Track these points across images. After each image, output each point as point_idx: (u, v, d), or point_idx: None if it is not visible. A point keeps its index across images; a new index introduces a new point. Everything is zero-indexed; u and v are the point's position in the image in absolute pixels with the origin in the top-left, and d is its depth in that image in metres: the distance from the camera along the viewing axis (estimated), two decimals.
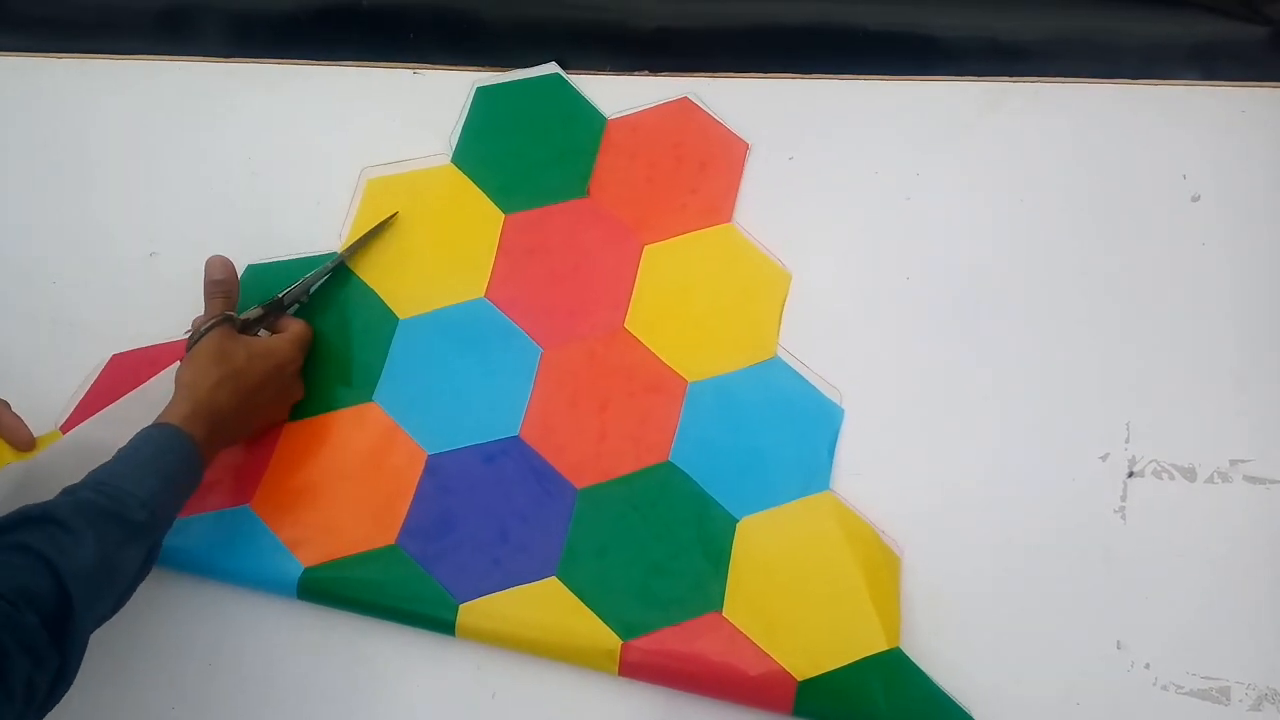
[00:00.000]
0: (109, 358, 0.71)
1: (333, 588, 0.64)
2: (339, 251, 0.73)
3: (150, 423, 0.60)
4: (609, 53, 0.79)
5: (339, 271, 0.73)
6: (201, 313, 0.68)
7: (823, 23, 0.80)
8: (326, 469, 0.67)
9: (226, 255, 0.69)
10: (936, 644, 0.62)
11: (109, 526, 0.54)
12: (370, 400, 0.69)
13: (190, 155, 0.77)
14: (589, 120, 0.77)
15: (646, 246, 0.73)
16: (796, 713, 0.59)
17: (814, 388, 0.68)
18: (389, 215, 0.74)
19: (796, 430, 0.67)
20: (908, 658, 0.60)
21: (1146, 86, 0.77)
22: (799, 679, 0.59)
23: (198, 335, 0.64)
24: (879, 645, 0.60)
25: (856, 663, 0.60)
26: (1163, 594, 0.63)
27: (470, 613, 0.62)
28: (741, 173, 0.75)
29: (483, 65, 0.80)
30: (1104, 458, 0.66)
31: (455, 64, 0.80)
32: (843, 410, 0.67)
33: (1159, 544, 0.64)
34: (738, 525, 0.64)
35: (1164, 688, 0.61)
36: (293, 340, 0.68)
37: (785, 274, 0.71)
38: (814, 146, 0.76)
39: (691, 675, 0.61)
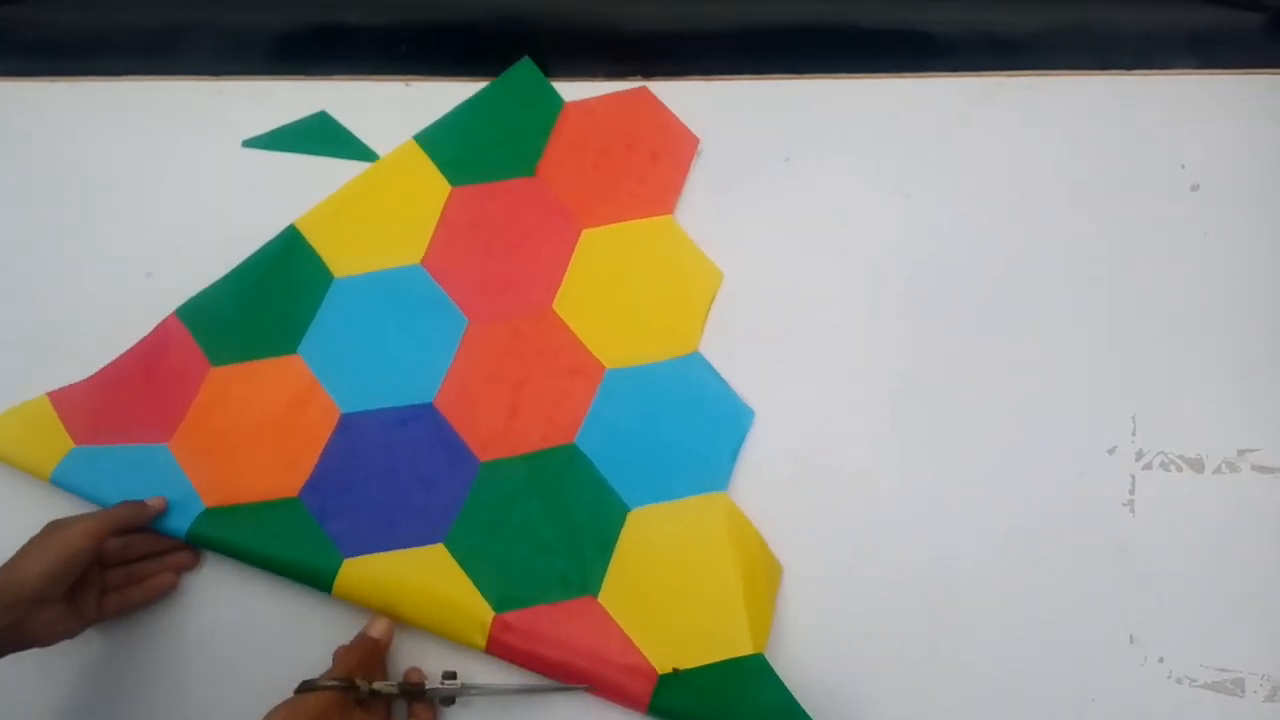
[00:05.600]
0: None
1: (226, 529, 0.64)
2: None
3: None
4: (602, 59, 0.79)
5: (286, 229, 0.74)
6: None
7: (816, 22, 0.80)
8: (244, 417, 0.68)
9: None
10: (945, 646, 0.62)
11: None
12: (294, 353, 0.69)
13: (185, 175, 0.77)
14: (547, 102, 0.78)
15: (585, 230, 0.73)
16: (653, 705, 0.59)
17: (729, 387, 0.68)
18: None
19: (704, 428, 0.67)
20: (769, 665, 0.60)
21: (1143, 77, 0.77)
22: (660, 672, 0.60)
23: (311, 686, 0.56)
24: (744, 649, 0.60)
25: (720, 663, 0.60)
26: (1174, 587, 0.63)
27: (351, 569, 0.62)
28: (689, 167, 0.75)
29: (474, 76, 0.79)
30: (1111, 451, 0.66)
31: (447, 75, 0.80)
32: (753, 413, 0.67)
33: (1169, 536, 0.64)
34: (629, 514, 0.64)
35: (1178, 681, 0.61)
36: None
37: (717, 271, 0.72)
38: (810, 147, 0.76)
39: (556, 657, 0.61)
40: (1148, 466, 0.66)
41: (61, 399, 0.68)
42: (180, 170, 0.77)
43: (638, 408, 0.67)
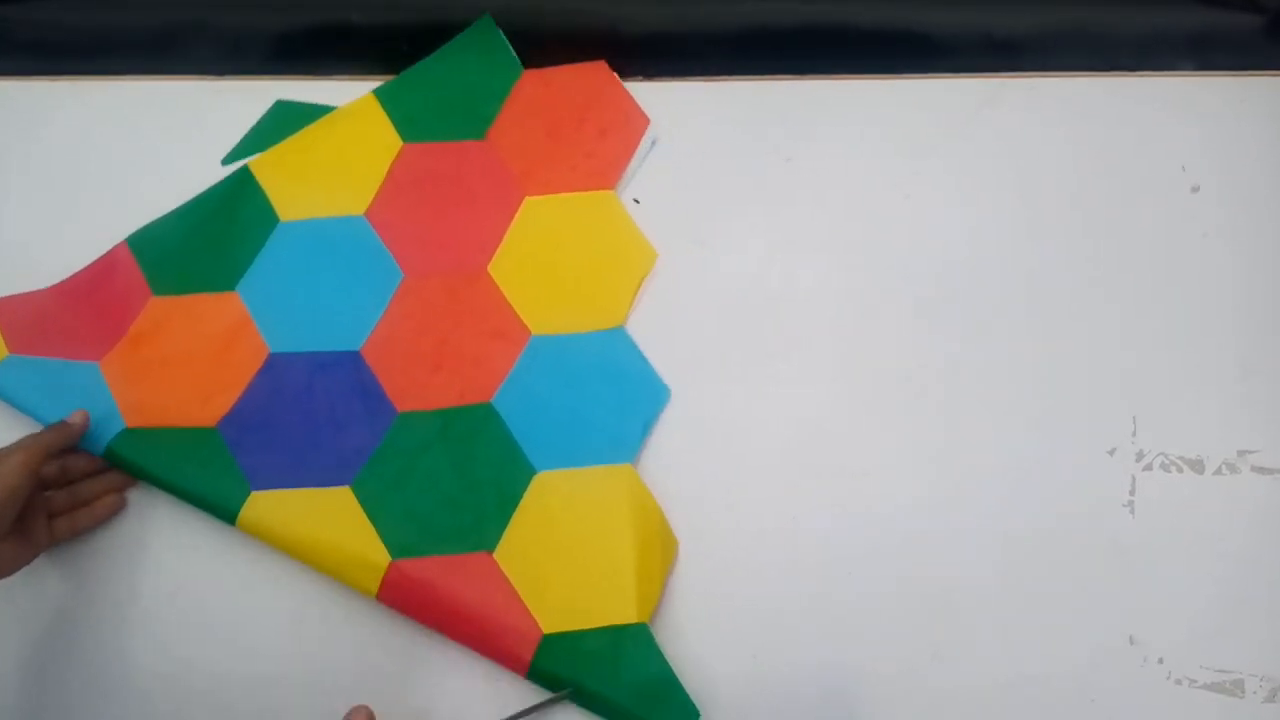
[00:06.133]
0: None
1: (142, 450, 0.65)
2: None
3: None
4: (601, 59, 0.79)
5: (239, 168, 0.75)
6: None
7: (815, 23, 0.79)
8: (176, 346, 0.69)
9: None
10: (944, 646, 0.62)
11: None
12: (233, 290, 0.71)
13: (185, 173, 0.77)
14: (506, 67, 0.79)
15: (527, 197, 0.74)
16: (534, 666, 0.60)
17: (649, 364, 0.69)
18: None
19: (619, 400, 0.67)
20: (651, 635, 0.61)
21: (1143, 78, 0.77)
22: (545, 632, 0.61)
23: None
24: (628, 617, 0.61)
25: (601, 628, 0.61)
26: (1174, 587, 0.62)
27: (258, 501, 0.63)
28: (636, 146, 0.76)
29: None
30: (1111, 452, 0.66)
31: None
32: (669, 390, 0.68)
33: (1169, 537, 0.63)
34: (535, 477, 0.65)
35: (1178, 682, 0.60)
36: None
37: (652, 251, 0.72)
38: (811, 148, 0.75)
39: (444, 608, 0.61)
40: (1148, 467, 0.65)
41: (4, 307, 0.70)
42: (180, 169, 0.77)
43: (557, 375, 0.68)
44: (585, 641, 0.61)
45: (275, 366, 0.69)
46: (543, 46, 0.79)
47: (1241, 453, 0.65)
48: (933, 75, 0.78)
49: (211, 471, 0.65)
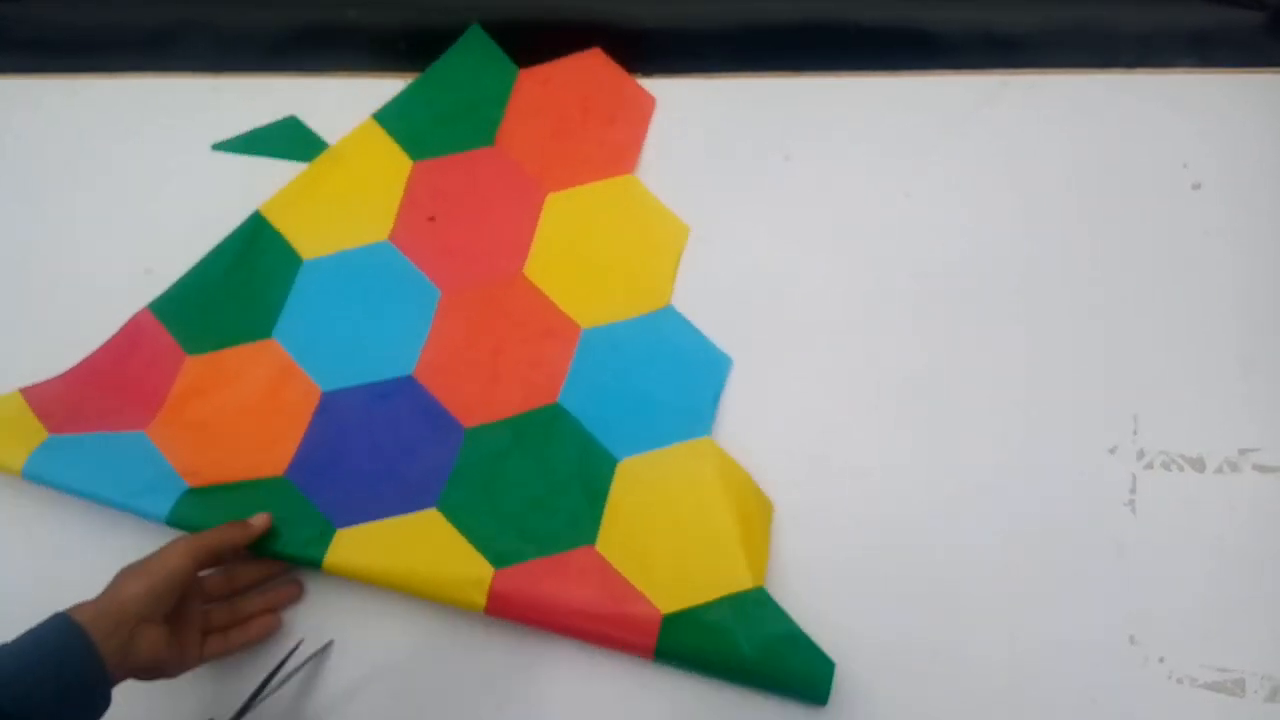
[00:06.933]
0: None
1: (211, 509, 0.62)
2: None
3: None
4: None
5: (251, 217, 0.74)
6: None
7: (815, 19, 0.79)
8: (223, 402, 0.68)
9: None
10: (944, 646, 0.61)
11: None
12: (270, 337, 0.70)
13: (184, 170, 0.77)
14: (501, 71, 0.79)
15: (549, 195, 0.74)
16: (660, 648, 0.59)
17: (704, 337, 0.69)
18: None
19: (683, 377, 0.67)
20: (770, 597, 0.60)
21: (1144, 75, 0.77)
22: (664, 613, 0.60)
23: None
24: (744, 584, 0.60)
25: (721, 599, 0.60)
26: (1175, 586, 0.62)
27: (345, 538, 0.62)
28: (647, 126, 0.76)
29: None
30: (1112, 450, 0.66)
31: None
32: (730, 359, 0.68)
33: (1170, 536, 0.63)
34: (618, 465, 0.65)
35: (1179, 681, 0.60)
36: None
37: (684, 226, 0.72)
38: (810, 145, 0.75)
39: (558, 608, 0.60)
40: (1149, 466, 0.65)
41: (34, 394, 0.68)
42: (179, 166, 0.77)
43: (617, 363, 0.68)
44: (707, 615, 0.60)
45: (331, 405, 0.67)
46: (540, 45, 0.79)
47: (1243, 451, 0.65)
48: (933, 72, 0.78)
49: (290, 516, 0.62)
